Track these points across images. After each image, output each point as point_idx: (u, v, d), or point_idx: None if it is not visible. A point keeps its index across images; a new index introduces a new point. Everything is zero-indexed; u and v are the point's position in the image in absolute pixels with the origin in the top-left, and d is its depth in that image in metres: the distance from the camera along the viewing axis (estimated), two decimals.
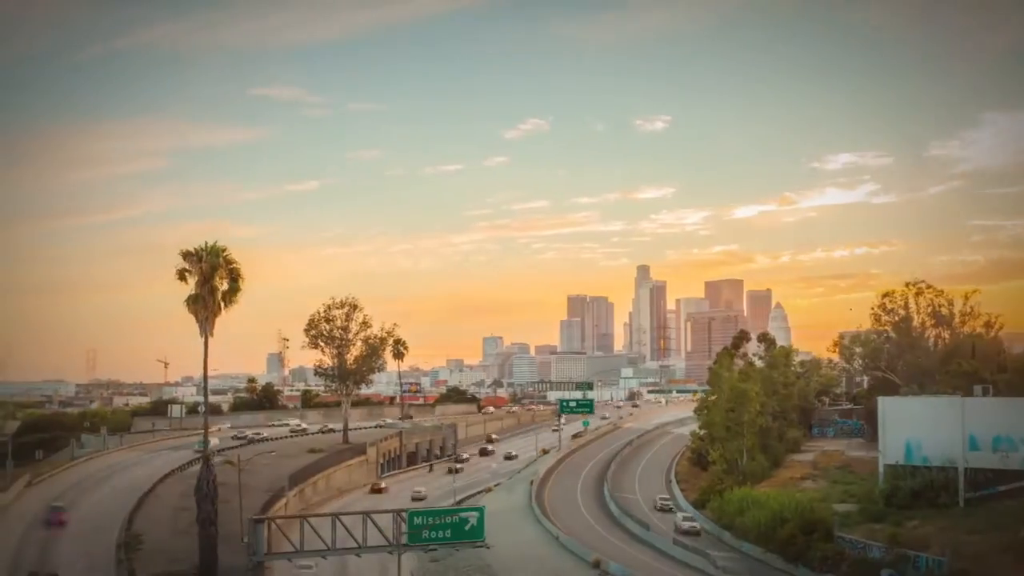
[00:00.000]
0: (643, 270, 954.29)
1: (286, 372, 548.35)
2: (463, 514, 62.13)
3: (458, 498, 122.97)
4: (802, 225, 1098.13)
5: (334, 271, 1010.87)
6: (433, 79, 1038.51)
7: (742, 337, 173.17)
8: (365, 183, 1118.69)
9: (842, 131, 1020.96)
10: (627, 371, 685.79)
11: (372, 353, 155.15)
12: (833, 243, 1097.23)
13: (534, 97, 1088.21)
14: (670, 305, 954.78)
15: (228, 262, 71.23)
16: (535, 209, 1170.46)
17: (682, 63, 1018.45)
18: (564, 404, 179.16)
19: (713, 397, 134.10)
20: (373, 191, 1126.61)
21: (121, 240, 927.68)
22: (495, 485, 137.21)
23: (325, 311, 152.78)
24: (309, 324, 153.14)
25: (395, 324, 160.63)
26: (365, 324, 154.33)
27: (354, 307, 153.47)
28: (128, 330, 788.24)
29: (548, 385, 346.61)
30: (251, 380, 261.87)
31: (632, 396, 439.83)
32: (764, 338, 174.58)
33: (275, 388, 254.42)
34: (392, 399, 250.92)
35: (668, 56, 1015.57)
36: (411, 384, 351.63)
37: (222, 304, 70.68)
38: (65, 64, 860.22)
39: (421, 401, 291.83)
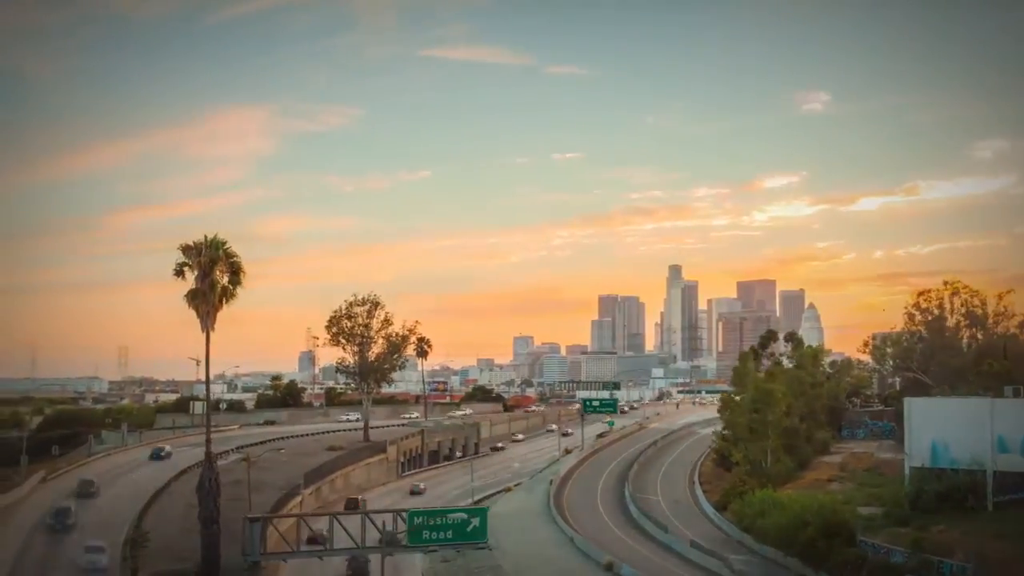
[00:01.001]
0: (675, 270, 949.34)
1: (317, 370, 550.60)
2: (465, 514, 59.95)
3: (476, 497, 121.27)
4: (922, 217, 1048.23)
5: (415, 264, 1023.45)
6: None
7: (769, 337, 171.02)
8: (476, 170, 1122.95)
9: (992, 117, 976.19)
10: (658, 371, 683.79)
11: (393, 351, 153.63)
12: (946, 236, 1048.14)
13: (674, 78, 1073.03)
14: (701, 305, 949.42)
15: (228, 256, 69.59)
16: (649, 199, 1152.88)
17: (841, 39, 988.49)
18: (587, 403, 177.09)
19: (737, 397, 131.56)
20: (485, 178, 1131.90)
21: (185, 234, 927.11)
22: (515, 485, 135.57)
23: (347, 308, 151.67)
24: (330, 321, 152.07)
25: (417, 322, 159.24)
26: (387, 322, 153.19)
27: (376, 304, 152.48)
28: (163, 326, 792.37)
29: (577, 385, 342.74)
30: (275, 378, 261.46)
31: (661, 396, 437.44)
32: (791, 337, 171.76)
33: (299, 386, 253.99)
34: (417, 398, 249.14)
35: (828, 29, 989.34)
36: (438, 383, 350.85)
37: (223, 299, 68.90)
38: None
39: (448, 400, 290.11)
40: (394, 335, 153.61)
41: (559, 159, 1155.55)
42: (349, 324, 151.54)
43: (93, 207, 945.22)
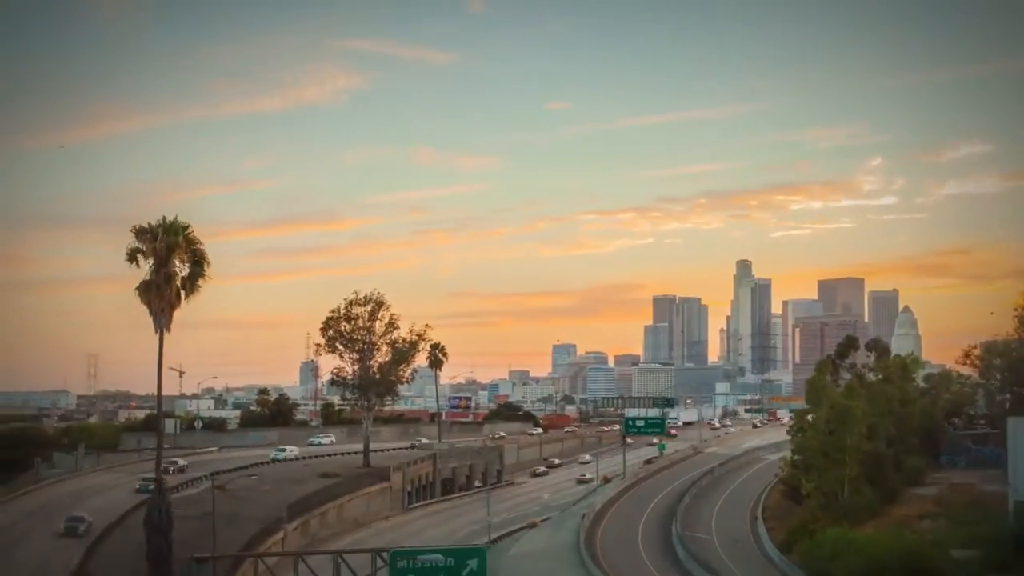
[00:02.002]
0: (743, 266, 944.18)
1: (320, 383, 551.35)
2: (460, 556, 58.21)
3: (494, 535, 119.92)
4: None
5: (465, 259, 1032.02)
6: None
7: (849, 344, 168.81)
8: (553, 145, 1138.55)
9: None
10: (722, 386, 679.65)
11: (400, 359, 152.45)
12: None
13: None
14: (776, 308, 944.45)
15: (190, 241, 68.46)
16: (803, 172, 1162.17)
17: None
18: (629, 423, 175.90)
19: (810, 416, 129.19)
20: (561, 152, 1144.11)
21: None
22: (542, 520, 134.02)
23: (346, 308, 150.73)
24: (326, 323, 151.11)
25: (427, 325, 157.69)
26: (392, 325, 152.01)
27: (379, 304, 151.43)
28: (141, 330, 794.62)
29: (625, 402, 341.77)
30: (263, 392, 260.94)
31: (726, 415, 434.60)
32: (875, 345, 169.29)
33: (292, 402, 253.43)
34: (433, 415, 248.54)
35: None
36: (461, 399, 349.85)
37: (182, 293, 67.82)
38: None
39: (470, 419, 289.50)
40: (400, 341, 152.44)
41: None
42: (348, 327, 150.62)
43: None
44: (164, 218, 68.67)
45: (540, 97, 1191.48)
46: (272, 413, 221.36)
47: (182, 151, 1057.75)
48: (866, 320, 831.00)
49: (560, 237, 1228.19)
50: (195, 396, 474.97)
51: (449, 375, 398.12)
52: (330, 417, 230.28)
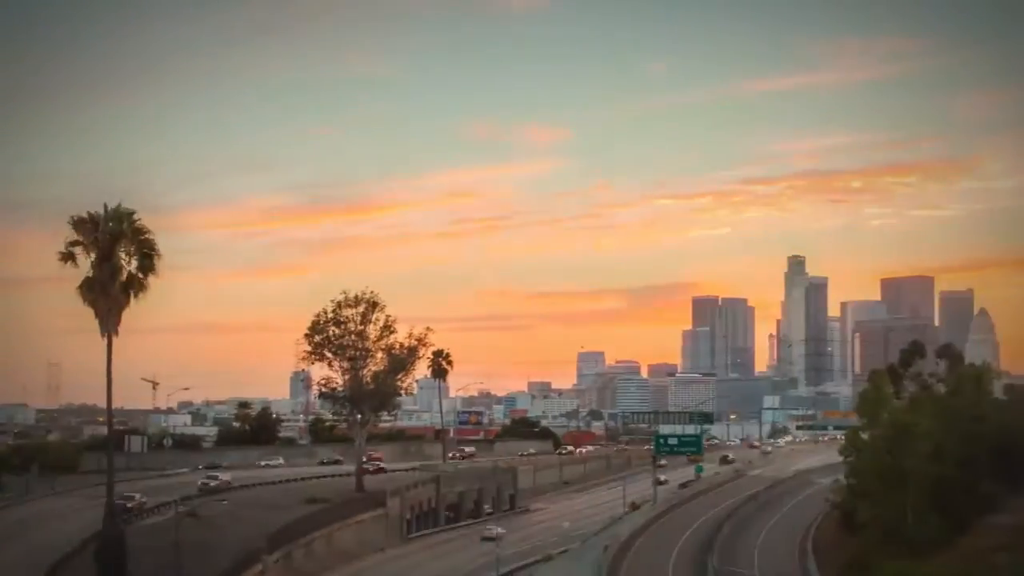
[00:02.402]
0: (796, 263, 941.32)
1: (312, 396, 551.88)
2: None
3: (503, 570, 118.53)
4: None
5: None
6: None
7: (915, 351, 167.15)
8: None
9: None
10: (771, 399, 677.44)
11: (396, 368, 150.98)
12: None
13: None
14: (833, 310, 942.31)
15: (137, 232, 66.80)
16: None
17: None
18: (660, 441, 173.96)
19: (865, 434, 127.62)
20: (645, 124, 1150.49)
21: None
22: (559, 552, 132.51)
23: (334, 310, 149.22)
24: (312, 328, 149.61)
25: (428, 329, 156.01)
26: (388, 328, 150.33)
27: (373, 304, 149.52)
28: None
29: (659, 417, 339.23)
30: (243, 405, 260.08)
31: (775, 432, 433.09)
32: (945, 353, 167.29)
33: (275, 416, 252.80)
34: (439, 432, 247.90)
35: None
36: (471, 413, 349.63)
37: (130, 292, 66.25)
38: None
39: (481, 436, 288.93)
40: (398, 347, 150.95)
41: None
42: (337, 332, 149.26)
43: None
44: (106, 206, 66.95)
45: (631, 58, 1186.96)
46: (254, 429, 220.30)
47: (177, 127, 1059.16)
48: (936, 324, 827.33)
49: (624, 225, 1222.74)
50: (169, 411, 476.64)
51: (459, 386, 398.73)
52: (320, 434, 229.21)
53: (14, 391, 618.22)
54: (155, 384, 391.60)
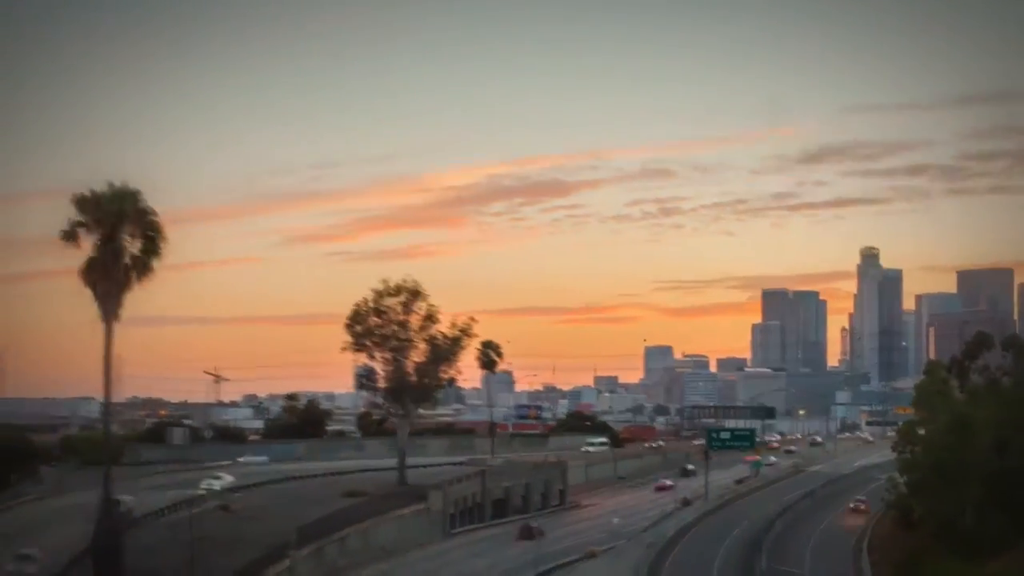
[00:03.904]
0: (869, 255, 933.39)
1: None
2: None
3: (541, 569, 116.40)
4: None
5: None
6: None
7: (981, 342, 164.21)
8: None
9: None
10: (843, 395, 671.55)
11: (439, 358, 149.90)
12: None
13: None
14: (908, 303, 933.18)
15: (141, 212, 65.20)
16: None
17: None
18: (713, 436, 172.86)
19: (921, 430, 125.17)
20: None
21: None
22: (604, 549, 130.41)
23: (375, 299, 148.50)
24: (352, 318, 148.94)
25: (472, 318, 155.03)
26: (430, 318, 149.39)
27: (415, 293, 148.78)
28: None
29: (720, 411, 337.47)
30: (290, 397, 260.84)
31: (845, 428, 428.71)
32: (1013, 343, 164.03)
33: (325, 408, 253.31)
34: (493, 427, 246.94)
35: None
36: (530, 408, 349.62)
37: (132, 275, 64.66)
38: None
39: (539, 431, 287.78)
40: (440, 337, 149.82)
41: None
42: (378, 322, 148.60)
43: None
44: (111, 184, 65.43)
45: None
46: (301, 422, 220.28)
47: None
48: (1015, 318, 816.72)
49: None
50: (233, 404, 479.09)
51: (528, 379, 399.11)
52: (368, 427, 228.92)
53: (78, 384, 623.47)
54: (218, 378, 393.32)
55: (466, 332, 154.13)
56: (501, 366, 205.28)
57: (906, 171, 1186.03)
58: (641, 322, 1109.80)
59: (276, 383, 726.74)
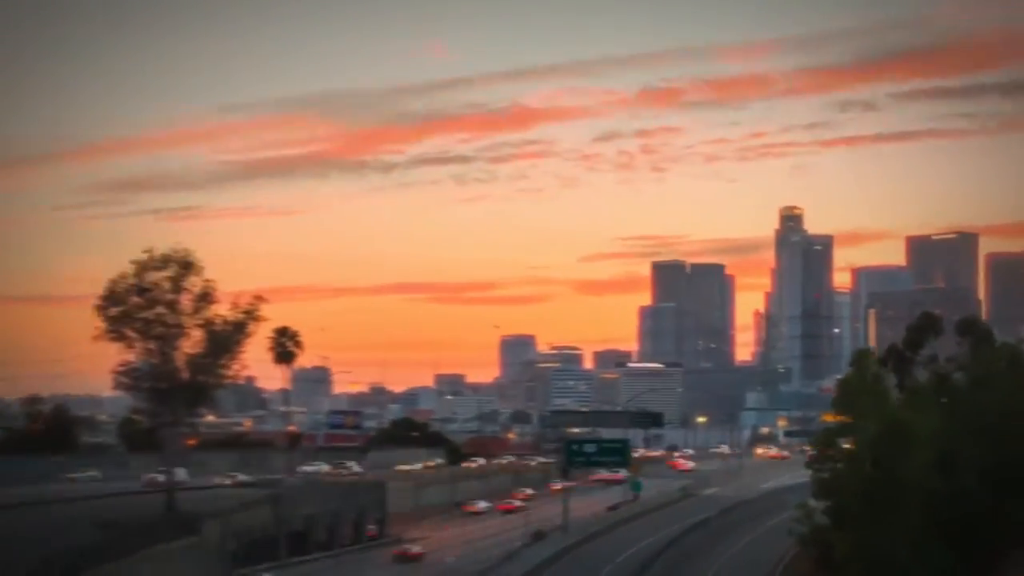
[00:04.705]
0: (790, 219, 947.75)
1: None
2: None
3: None
4: None
5: None
6: None
7: (928, 326, 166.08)
8: None
9: None
10: (755, 397, 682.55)
11: (217, 350, 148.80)
12: None
13: None
14: (841, 279, 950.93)
15: None
16: None
17: None
18: (574, 450, 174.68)
19: (845, 442, 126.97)
20: None
21: None
22: None
23: (136, 273, 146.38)
24: (107, 297, 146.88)
25: (259, 297, 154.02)
26: (206, 298, 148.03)
27: (186, 266, 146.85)
28: None
29: (591, 418, 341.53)
30: (32, 401, 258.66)
31: (756, 439, 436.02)
32: (969, 328, 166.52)
33: (72, 415, 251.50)
34: (297, 438, 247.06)
35: None
36: (347, 416, 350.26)
37: None
38: None
39: (359, 443, 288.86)
40: (219, 321, 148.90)
41: None
42: (140, 302, 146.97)
43: None
44: None
45: None
46: (46, 431, 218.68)
47: None
48: (980, 296, 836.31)
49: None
50: None
51: (349, 379, 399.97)
52: (134, 438, 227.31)
53: None
54: None
55: (251, 315, 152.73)
56: (317, 361, 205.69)
57: (837, 107, 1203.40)
58: (544, 303, 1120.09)
59: (11, 384, 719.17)
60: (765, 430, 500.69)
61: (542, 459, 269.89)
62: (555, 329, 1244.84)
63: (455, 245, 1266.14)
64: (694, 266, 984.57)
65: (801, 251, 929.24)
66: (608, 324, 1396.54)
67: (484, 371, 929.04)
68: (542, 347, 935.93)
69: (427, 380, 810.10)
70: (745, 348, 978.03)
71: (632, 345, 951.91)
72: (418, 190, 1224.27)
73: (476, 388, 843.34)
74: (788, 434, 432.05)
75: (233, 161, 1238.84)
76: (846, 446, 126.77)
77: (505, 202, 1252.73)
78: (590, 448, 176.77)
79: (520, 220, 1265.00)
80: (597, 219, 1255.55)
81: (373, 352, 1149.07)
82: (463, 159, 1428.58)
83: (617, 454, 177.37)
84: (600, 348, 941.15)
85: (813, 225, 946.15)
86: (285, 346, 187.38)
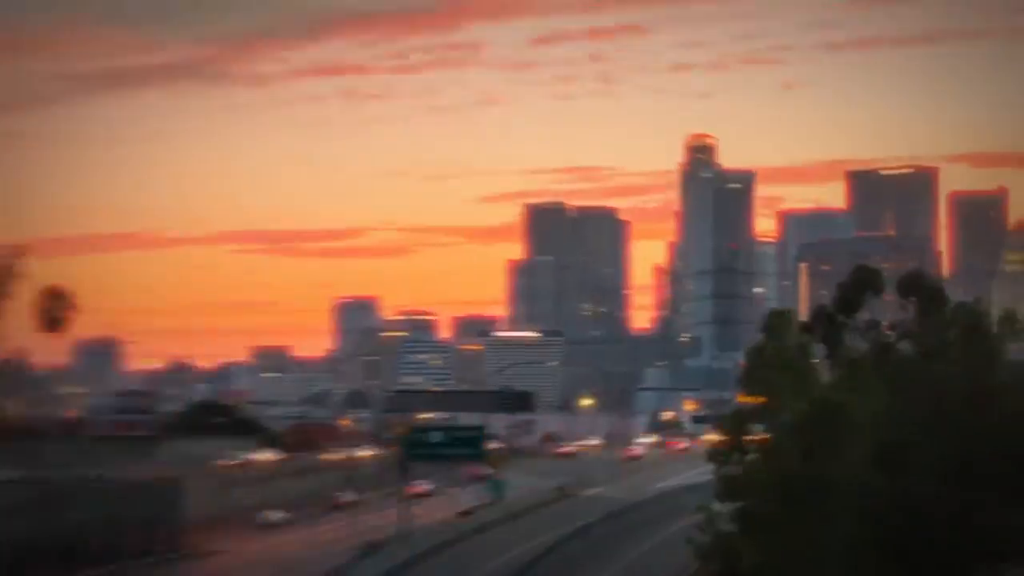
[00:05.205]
0: (698, 149, 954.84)
1: None
2: None
3: None
4: None
5: None
6: None
7: (865, 283, 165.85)
8: None
9: None
10: (656, 373, 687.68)
11: None
12: None
13: None
14: (764, 226, 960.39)
15: None
16: None
17: None
18: (412, 442, 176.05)
19: (761, 431, 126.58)
20: None
21: None
22: None
23: None
24: None
25: (19, 248, 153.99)
26: None
27: None
28: None
29: (452, 399, 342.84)
30: None
31: (660, 428, 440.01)
32: (915, 286, 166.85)
33: None
34: (74, 425, 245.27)
35: None
36: (140, 396, 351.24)
37: None
38: None
39: (152, 431, 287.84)
40: None
41: None
42: None
43: None
44: None
45: None
46: None
47: None
48: (942, 246, 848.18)
49: None
50: None
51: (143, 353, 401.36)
52: None
53: None
54: None
55: (10, 271, 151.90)
56: (103, 331, 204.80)
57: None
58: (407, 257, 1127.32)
59: None
60: (668, 415, 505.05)
61: (379, 451, 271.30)
62: (413, 290, 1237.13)
63: (324, 183, 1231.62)
64: (580, 210, 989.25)
65: (712, 190, 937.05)
66: (478, 285, 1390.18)
67: (314, 341, 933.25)
68: (388, 312, 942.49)
69: (242, 355, 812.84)
70: (643, 313, 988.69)
71: (500, 310, 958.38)
72: (292, 109, 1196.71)
73: (306, 364, 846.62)
74: (697, 420, 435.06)
75: None
76: (759, 435, 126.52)
77: (403, 123, 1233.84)
78: (435, 438, 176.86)
79: (418, 147, 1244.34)
80: (519, 147, 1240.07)
81: (177, 319, 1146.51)
82: (358, 68, 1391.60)
83: (468, 445, 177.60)
84: (461, 314, 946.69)
85: (728, 158, 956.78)
86: (52, 313, 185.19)
